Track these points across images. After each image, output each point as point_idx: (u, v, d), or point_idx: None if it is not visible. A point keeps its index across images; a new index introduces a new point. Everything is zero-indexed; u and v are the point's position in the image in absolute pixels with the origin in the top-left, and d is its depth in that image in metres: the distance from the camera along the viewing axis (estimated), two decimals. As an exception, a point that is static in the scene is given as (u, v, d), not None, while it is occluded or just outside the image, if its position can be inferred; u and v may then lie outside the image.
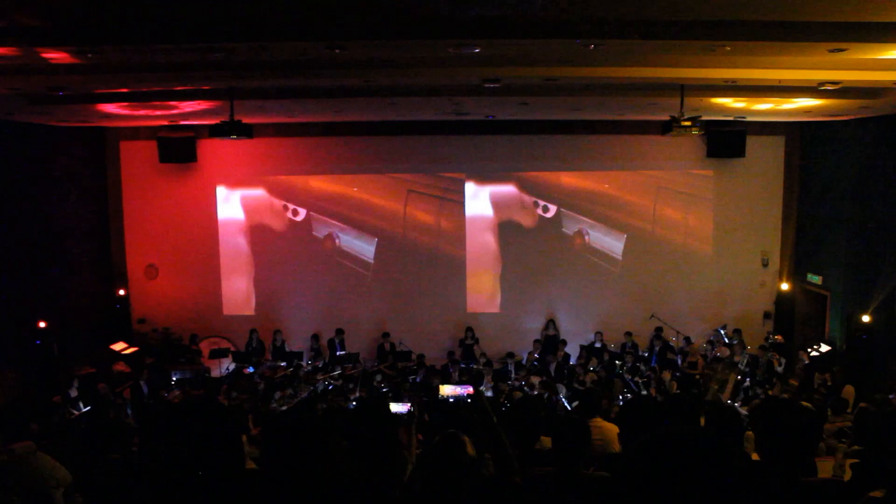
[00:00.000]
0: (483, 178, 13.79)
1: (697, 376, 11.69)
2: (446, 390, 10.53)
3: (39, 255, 11.52)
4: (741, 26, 5.62)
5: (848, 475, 4.97)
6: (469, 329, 13.27)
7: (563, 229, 13.89)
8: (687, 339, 12.73)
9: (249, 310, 13.98)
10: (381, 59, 7.04)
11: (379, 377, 11.81)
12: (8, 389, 10.39)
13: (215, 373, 12.32)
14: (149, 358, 12.69)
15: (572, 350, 12.97)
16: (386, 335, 13.12)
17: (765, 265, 13.77)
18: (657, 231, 13.85)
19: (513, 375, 11.85)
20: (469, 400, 10.10)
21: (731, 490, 1.40)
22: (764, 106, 10.33)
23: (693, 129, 9.06)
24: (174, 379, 11.81)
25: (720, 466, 1.40)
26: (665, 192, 13.75)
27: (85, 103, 9.38)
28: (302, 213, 13.94)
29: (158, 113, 11.07)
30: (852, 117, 11.31)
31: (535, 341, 13.11)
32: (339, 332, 13.00)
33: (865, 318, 10.79)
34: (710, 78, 8.06)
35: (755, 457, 2.65)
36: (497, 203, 13.85)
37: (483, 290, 14.02)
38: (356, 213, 13.90)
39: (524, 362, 12.56)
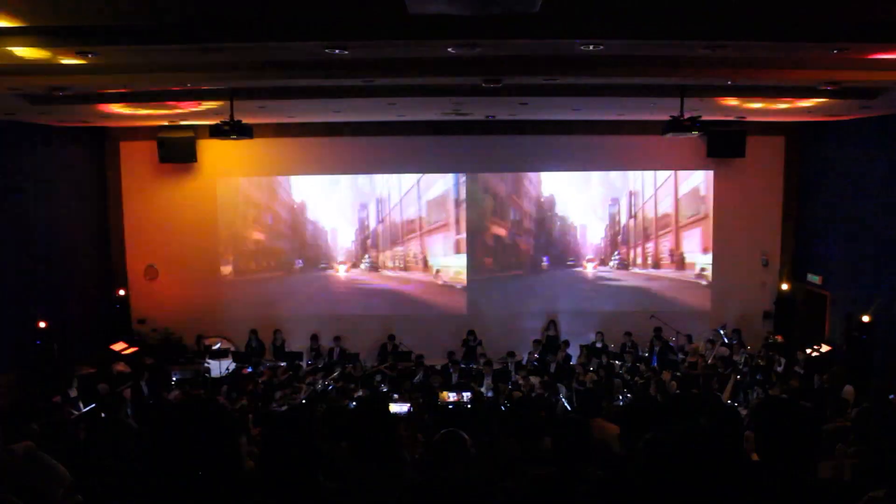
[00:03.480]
0: (483, 177, 13.79)
1: (698, 378, 11.69)
2: (447, 397, 10.51)
3: (39, 255, 11.51)
4: (741, 26, 5.62)
5: (848, 475, 4.98)
6: (471, 332, 13.26)
7: (564, 228, 13.89)
8: (689, 338, 12.72)
9: (249, 310, 13.99)
10: (381, 59, 7.04)
11: (379, 377, 11.81)
12: (8, 389, 10.38)
13: (215, 373, 12.31)
14: (149, 358, 12.69)
15: (573, 350, 12.97)
16: (391, 337, 13.13)
17: (765, 265, 13.77)
18: (657, 231, 13.85)
19: (513, 375, 11.85)
20: (469, 406, 10.09)
21: (730, 489, 1.40)
22: (762, 106, 10.33)
23: (693, 129, 9.05)
24: (174, 379, 11.81)
25: (720, 466, 1.41)
26: (665, 192, 13.75)
27: (85, 103, 9.38)
28: (303, 212, 13.96)
29: (158, 113, 11.07)
30: (852, 117, 11.31)
31: (535, 341, 13.11)
32: (336, 339, 13.03)
33: (865, 318, 10.78)
34: (710, 80, 8.07)
35: (755, 457, 2.65)
36: (497, 202, 13.85)
37: (484, 290, 14.02)
38: (357, 212, 13.92)
39: (524, 362, 12.56)
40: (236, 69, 7.30)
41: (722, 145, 13.17)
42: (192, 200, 13.74)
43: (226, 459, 1.86)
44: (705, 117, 9.69)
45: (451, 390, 10.99)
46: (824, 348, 11.64)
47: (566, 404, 10.51)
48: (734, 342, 12.20)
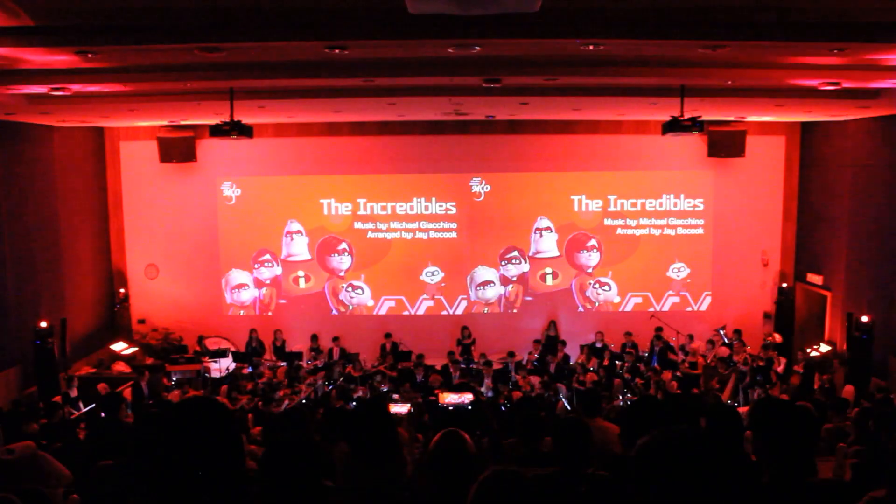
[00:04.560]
0: (483, 177, 13.78)
1: (699, 378, 11.71)
2: (447, 399, 10.50)
3: (39, 254, 11.52)
4: (741, 26, 5.62)
5: (848, 475, 4.98)
6: (464, 328, 13.27)
7: (564, 228, 13.88)
8: (689, 338, 12.71)
9: (250, 310, 13.99)
10: (381, 59, 7.04)
11: (379, 377, 11.82)
12: (8, 389, 10.39)
13: (215, 373, 12.32)
14: (149, 358, 12.70)
15: (572, 351, 12.97)
16: (388, 335, 13.12)
17: (765, 265, 13.77)
18: (657, 231, 13.84)
19: (513, 375, 11.85)
20: (470, 407, 10.08)
21: (733, 488, 1.40)
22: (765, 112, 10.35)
23: (693, 129, 9.06)
24: (174, 379, 11.82)
25: (723, 465, 1.41)
26: (665, 192, 13.74)
27: (85, 103, 9.37)
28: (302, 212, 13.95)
29: (159, 113, 11.07)
30: (852, 117, 11.31)
31: (535, 341, 13.10)
32: (335, 339, 13.01)
33: (865, 318, 10.78)
34: (710, 80, 8.08)
35: (755, 457, 2.65)
36: (497, 202, 13.84)
37: (483, 290, 14.02)
38: (357, 212, 13.91)
39: (524, 362, 12.55)
40: (236, 69, 7.30)
41: (722, 145, 13.17)
42: (192, 200, 13.74)
43: (227, 459, 1.86)
44: (705, 117, 9.69)
45: (451, 390, 10.99)
46: (824, 348, 11.64)
47: (566, 404, 10.52)
48: (734, 342, 12.20)
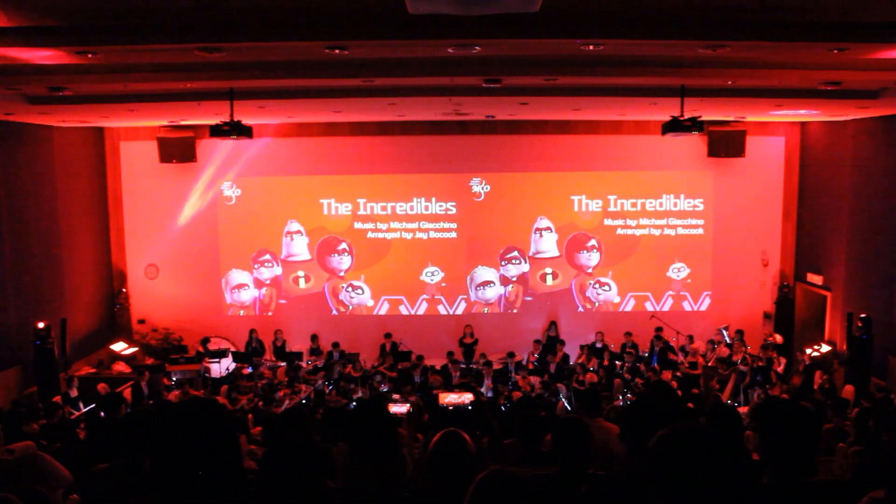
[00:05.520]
0: (483, 177, 13.78)
1: (699, 378, 11.70)
2: (446, 399, 10.48)
3: (39, 254, 11.51)
4: (741, 26, 5.62)
5: (848, 475, 4.98)
6: (467, 326, 13.27)
7: (564, 229, 13.88)
8: (689, 338, 12.71)
9: (250, 310, 13.99)
10: (381, 59, 7.04)
11: (379, 377, 11.82)
12: (8, 389, 10.39)
13: (215, 373, 12.32)
14: (149, 358, 12.69)
15: (572, 351, 12.97)
16: (388, 335, 13.12)
17: (765, 265, 13.77)
18: (657, 231, 13.84)
19: (513, 376, 11.85)
20: (470, 407, 10.07)
21: (738, 486, 1.40)
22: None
23: (693, 129, 9.06)
24: (174, 379, 11.82)
25: (729, 463, 1.41)
26: (665, 193, 13.74)
27: (85, 103, 9.38)
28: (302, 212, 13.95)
29: (158, 113, 11.07)
30: (852, 117, 11.32)
31: (535, 342, 13.10)
32: (335, 345, 12.96)
33: (865, 318, 10.78)
34: (710, 80, 8.08)
35: (755, 457, 2.65)
36: (497, 202, 13.84)
37: (483, 290, 14.02)
38: (357, 212, 13.90)
39: (524, 362, 12.55)
40: (236, 69, 7.31)
41: (722, 145, 13.18)
42: (192, 200, 13.73)
43: (226, 459, 1.85)
44: (705, 117, 9.70)
45: (451, 390, 10.98)
46: (824, 348, 11.64)
47: (566, 404, 10.52)
48: (735, 342, 12.20)
